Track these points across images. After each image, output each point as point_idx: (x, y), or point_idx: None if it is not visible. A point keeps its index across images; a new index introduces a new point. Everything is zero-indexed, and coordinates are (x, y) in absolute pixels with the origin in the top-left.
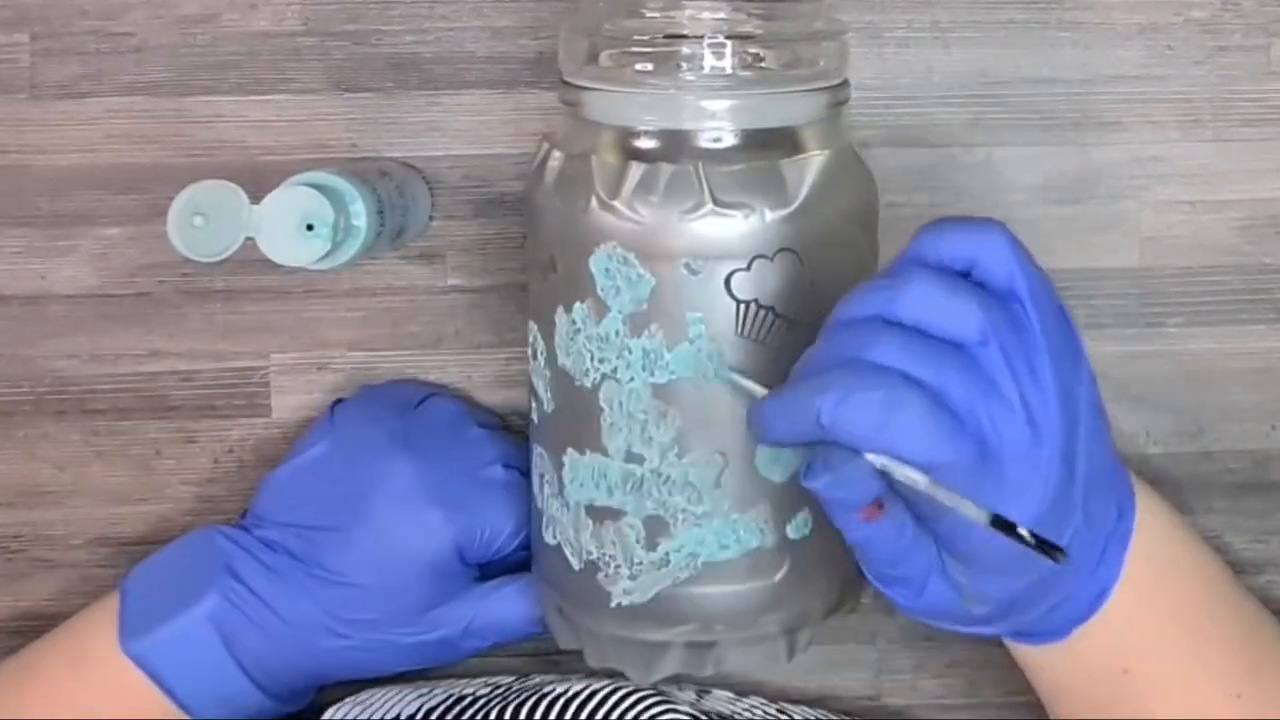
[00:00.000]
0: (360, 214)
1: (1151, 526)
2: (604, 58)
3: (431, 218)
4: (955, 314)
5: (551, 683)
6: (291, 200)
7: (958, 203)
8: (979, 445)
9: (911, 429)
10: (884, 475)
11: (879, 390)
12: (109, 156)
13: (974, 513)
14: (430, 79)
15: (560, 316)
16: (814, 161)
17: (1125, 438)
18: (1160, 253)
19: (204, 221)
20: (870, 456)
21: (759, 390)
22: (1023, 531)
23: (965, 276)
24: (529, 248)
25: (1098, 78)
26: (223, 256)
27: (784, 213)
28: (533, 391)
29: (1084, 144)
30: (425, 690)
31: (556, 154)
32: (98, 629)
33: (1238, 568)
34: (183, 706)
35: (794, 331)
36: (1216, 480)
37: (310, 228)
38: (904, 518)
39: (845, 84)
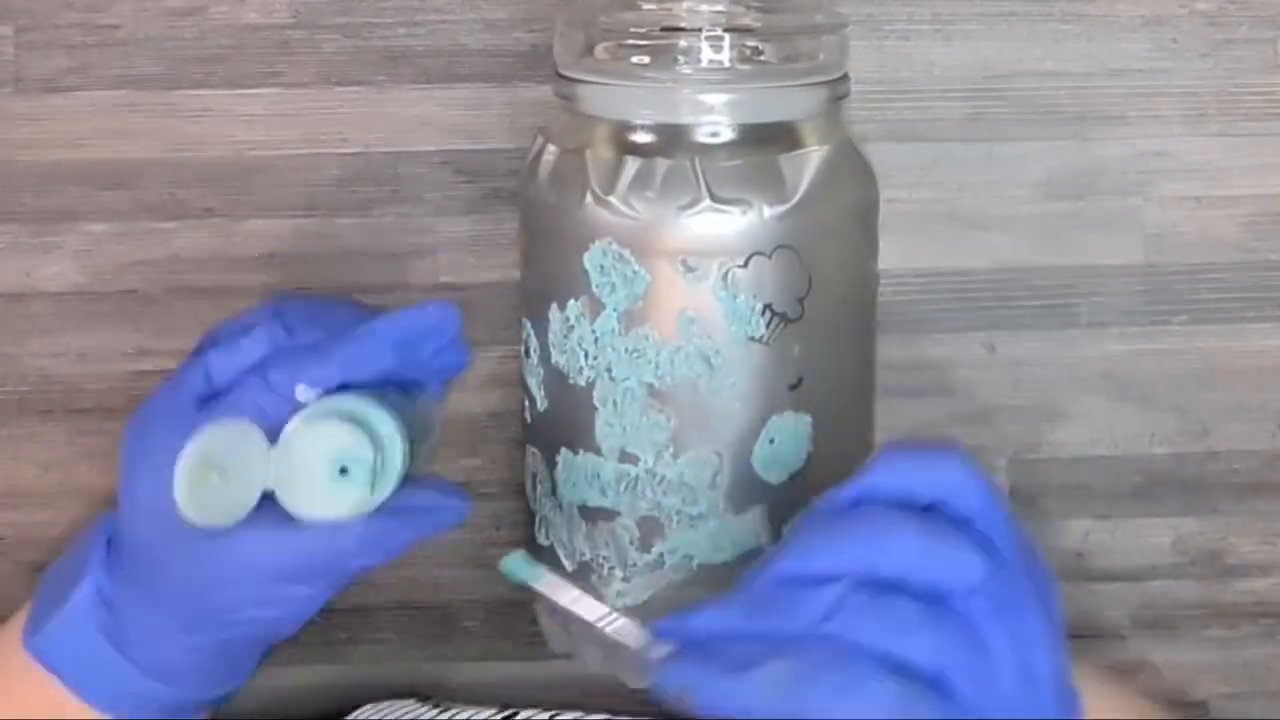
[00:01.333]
0: (396, 446)
1: None
2: (600, 50)
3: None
4: (952, 564)
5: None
6: (321, 440)
7: (959, 198)
8: (946, 695)
9: (827, 702)
10: None
11: (790, 664)
12: (95, 151)
13: None
14: (423, 72)
15: (554, 314)
16: (813, 157)
17: (1130, 438)
18: (1165, 249)
19: (221, 480)
20: None
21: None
22: None
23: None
24: (522, 244)
25: (1101, 71)
26: (239, 518)
27: (782, 209)
28: (525, 390)
29: (1087, 139)
30: None
31: (551, 148)
32: (12, 632)
33: (1243, 570)
34: (88, 701)
35: (792, 330)
36: (1223, 481)
37: (344, 471)
38: None
39: (845, 78)
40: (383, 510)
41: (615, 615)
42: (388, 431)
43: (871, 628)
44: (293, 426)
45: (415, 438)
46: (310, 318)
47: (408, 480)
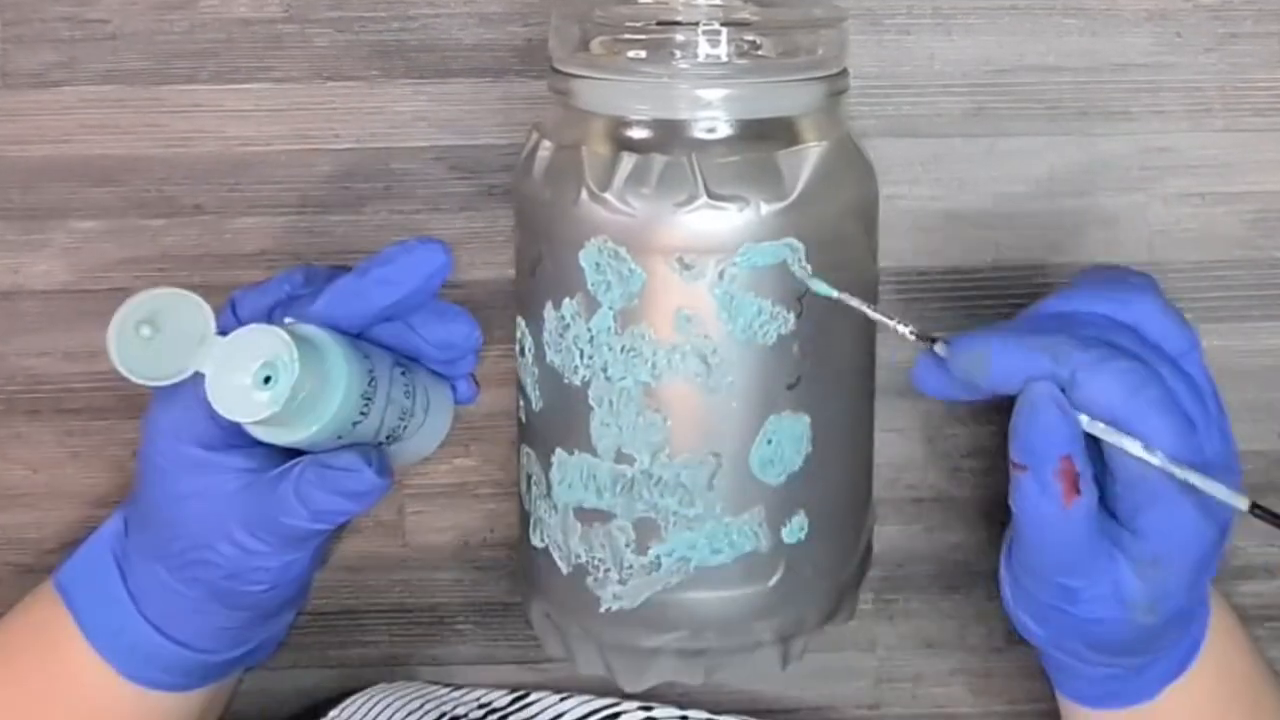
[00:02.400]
0: (338, 390)
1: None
2: (595, 45)
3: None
4: (1175, 327)
5: (545, 702)
6: (256, 341)
7: (961, 195)
8: (1200, 443)
9: (1153, 409)
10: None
11: (1132, 366)
12: (83, 147)
13: (1229, 496)
14: (416, 67)
15: (549, 312)
16: (811, 153)
17: None
18: (1169, 247)
19: (152, 334)
20: (1092, 424)
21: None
22: None
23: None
24: (517, 241)
25: (1104, 66)
26: (162, 383)
27: (780, 205)
28: (520, 390)
29: (1090, 134)
30: (416, 707)
31: (546, 144)
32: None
33: (1249, 572)
34: (94, 644)
35: (791, 329)
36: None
37: (268, 381)
38: (1098, 514)
39: (844, 72)
40: (308, 467)
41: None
42: (332, 364)
43: (1141, 349)
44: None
45: (382, 397)
46: (333, 273)
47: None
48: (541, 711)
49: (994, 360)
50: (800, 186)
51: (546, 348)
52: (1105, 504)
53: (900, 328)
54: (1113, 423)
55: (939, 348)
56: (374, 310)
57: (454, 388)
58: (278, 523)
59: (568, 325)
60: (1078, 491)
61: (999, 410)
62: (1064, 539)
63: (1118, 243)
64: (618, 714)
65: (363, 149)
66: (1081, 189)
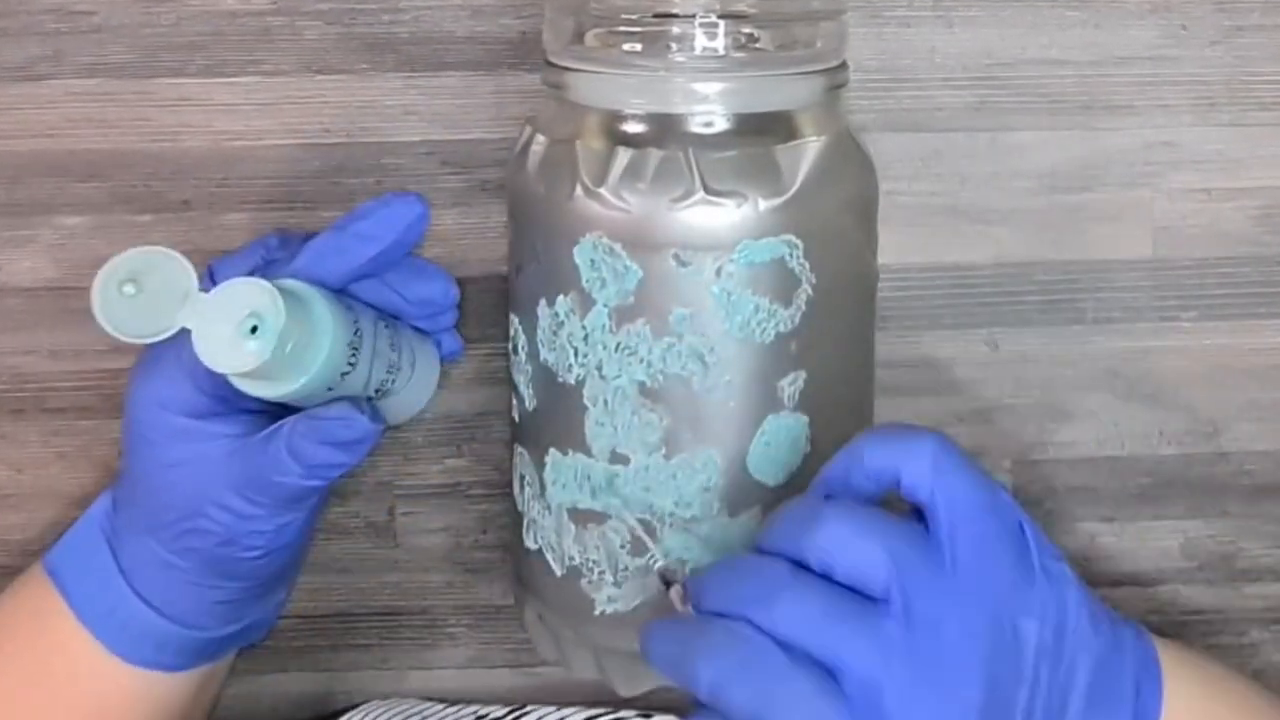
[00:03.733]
0: (325, 339)
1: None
2: (590, 37)
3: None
4: (861, 561)
5: (541, 712)
6: (240, 293)
7: (961, 190)
8: None
9: (794, 708)
10: None
11: (761, 671)
12: (69, 142)
13: None
14: (407, 60)
15: (543, 309)
16: (810, 147)
17: (1137, 438)
18: (1174, 243)
19: (135, 291)
20: None
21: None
22: None
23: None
24: (510, 237)
25: (1108, 59)
26: (150, 339)
27: (778, 201)
28: (513, 388)
29: (1093, 128)
30: None
31: (540, 139)
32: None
33: (1254, 574)
34: (86, 624)
35: (789, 326)
36: (1233, 482)
37: (254, 331)
38: None
39: (843, 66)
40: (299, 421)
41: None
42: (318, 315)
43: (796, 626)
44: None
45: (368, 348)
46: (309, 235)
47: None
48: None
49: (651, 655)
50: (799, 182)
51: (540, 346)
52: None
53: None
54: None
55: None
56: (354, 266)
57: (438, 344)
58: (271, 482)
59: (562, 323)
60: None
61: (999, 411)
62: None
63: (1121, 239)
64: None
65: (353, 143)
66: (1084, 184)
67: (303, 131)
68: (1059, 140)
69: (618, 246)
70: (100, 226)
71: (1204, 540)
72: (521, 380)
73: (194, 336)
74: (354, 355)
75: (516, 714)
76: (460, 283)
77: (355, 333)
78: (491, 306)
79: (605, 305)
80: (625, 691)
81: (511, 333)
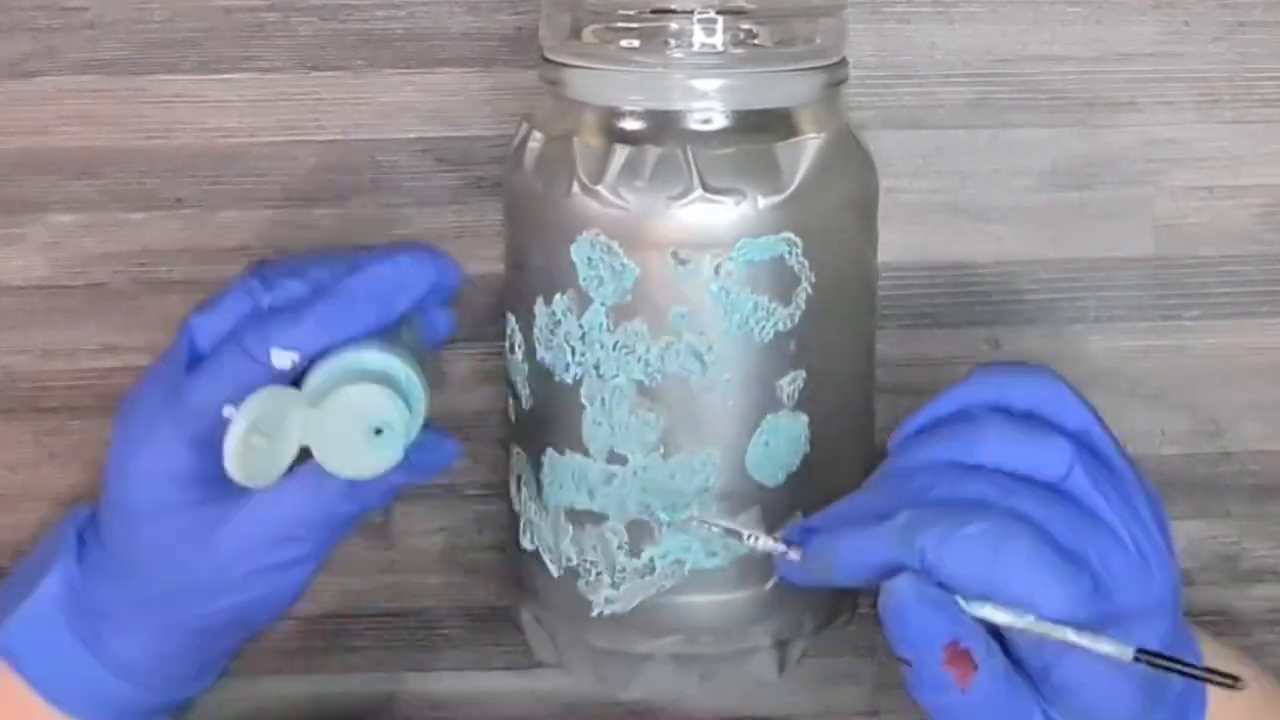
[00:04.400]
0: (420, 399)
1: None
2: (587, 33)
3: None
4: (1041, 451)
5: None
6: (355, 402)
7: (962, 188)
8: (1092, 582)
9: (1022, 566)
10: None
11: (986, 523)
12: (61, 139)
13: (1114, 650)
14: (402, 56)
15: (540, 308)
16: (809, 144)
17: (1139, 437)
18: (1176, 241)
19: (265, 441)
20: (971, 608)
21: (760, 538)
22: (1180, 667)
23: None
24: (506, 235)
25: (1110, 55)
26: (279, 476)
27: (778, 199)
28: (510, 388)
29: (1095, 125)
30: None
31: (536, 136)
32: None
33: (1258, 576)
34: (50, 700)
35: (788, 325)
36: (1236, 483)
37: (379, 432)
38: (1005, 676)
39: (843, 62)
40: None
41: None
42: (411, 384)
43: (999, 493)
44: (322, 384)
45: (427, 373)
46: (293, 273)
47: None
48: None
49: (840, 564)
50: (798, 179)
51: (537, 345)
52: (1016, 660)
53: (754, 542)
54: (983, 593)
55: (792, 554)
56: (367, 328)
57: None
58: (332, 514)
59: (559, 322)
60: (974, 667)
61: None
62: (974, 715)
63: (1122, 237)
64: None
65: (348, 141)
66: (1086, 182)
67: (297, 128)
68: (1060, 137)
69: (615, 245)
70: (93, 224)
71: (1207, 541)
72: (518, 379)
73: (319, 453)
74: (426, 388)
75: None
76: None
77: (419, 360)
78: (488, 305)
79: (603, 304)
80: (622, 694)
81: (508, 332)
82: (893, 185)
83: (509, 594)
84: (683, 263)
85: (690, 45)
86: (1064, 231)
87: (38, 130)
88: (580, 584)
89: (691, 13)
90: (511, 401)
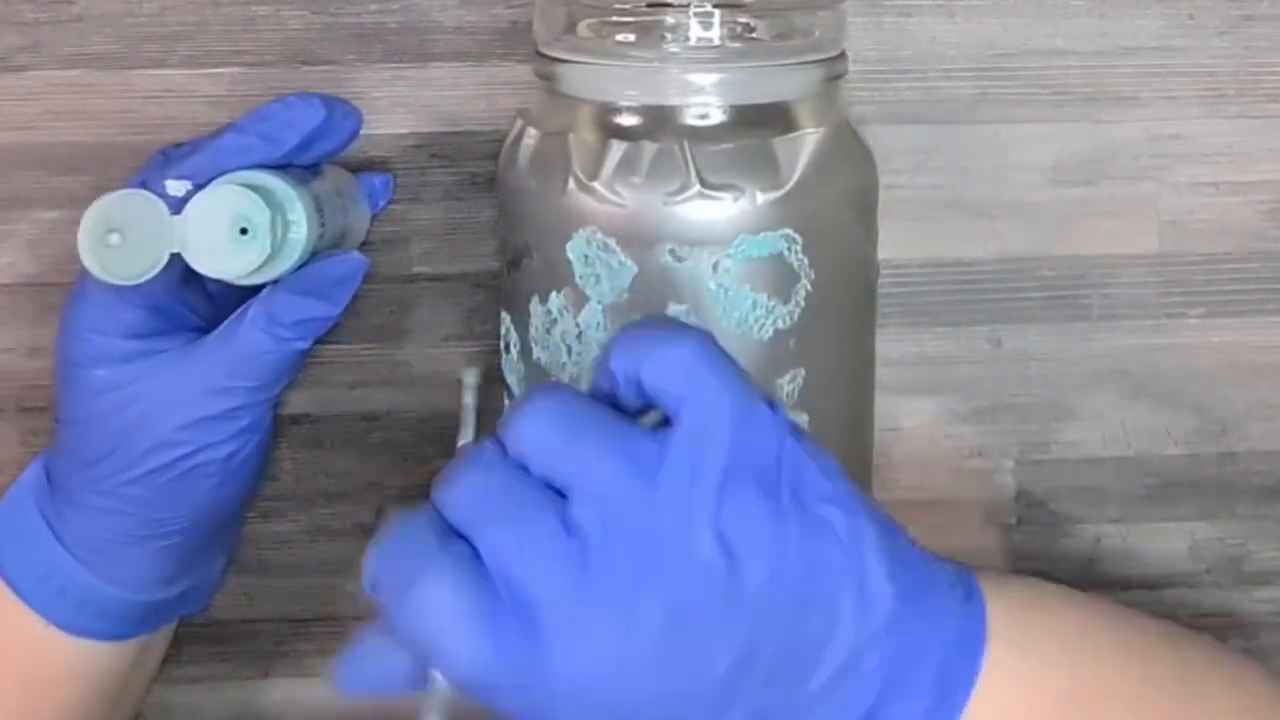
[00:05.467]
0: (299, 214)
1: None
2: (582, 28)
3: (374, 218)
4: (549, 453)
5: None
6: (218, 202)
7: (963, 184)
8: (526, 633)
9: (422, 613)
10: None
11: (406, 563)
12: (48, 134)
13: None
14: (395, 51)
15: (535, 307)
16: (808, 140)
17: (1144, 437)
18: (1181, 238)
19: (121, 239)
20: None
21: None
22: None
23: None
24: (501, 233)
25: (1114, 49)
26: (146, 277)
27: (776, 195)
28: (505, 387)
29: (1099, 121)
30: None
31: (531, 132)
32: None
33: (1263, 578)
34: (19, 592)
35: (787, 322)
36: (1241, 483)
37: (244, 232)
38: None
39: (842, 56)
40: (284, 283)
41: None
42: (285, 196)
43: (461, 511)
44: (196, 195)
45: (325, 209)
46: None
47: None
48: None
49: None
50: (797, 175)
51: (533, 344)
52: None
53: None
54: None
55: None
56: (260, 159)
57: (370, 187)
58: (251, 361)
59: (555, 320)
60: None
61: (1001, 410)
62: None
63: (1126, 234)
64: None
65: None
66: (1089, 178)
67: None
68: (1063, 133)
69: (612, 242)
70: (81, 221)
71: (1212, 543)
72: (514, 379)
73: (188, 256)
74: (321, 216)
75: None
76: (450, 279)
77: (314, 195)
78: (483, 304)
79: (599, 302)
80: None
81: (503, 331)
82: (893, 181)
83: None
84: (680, 260)
85: (687, 39)
86: (1067, 228)
87: (25, 126)
88: None
89: (688, 6)
90: (507, 401)
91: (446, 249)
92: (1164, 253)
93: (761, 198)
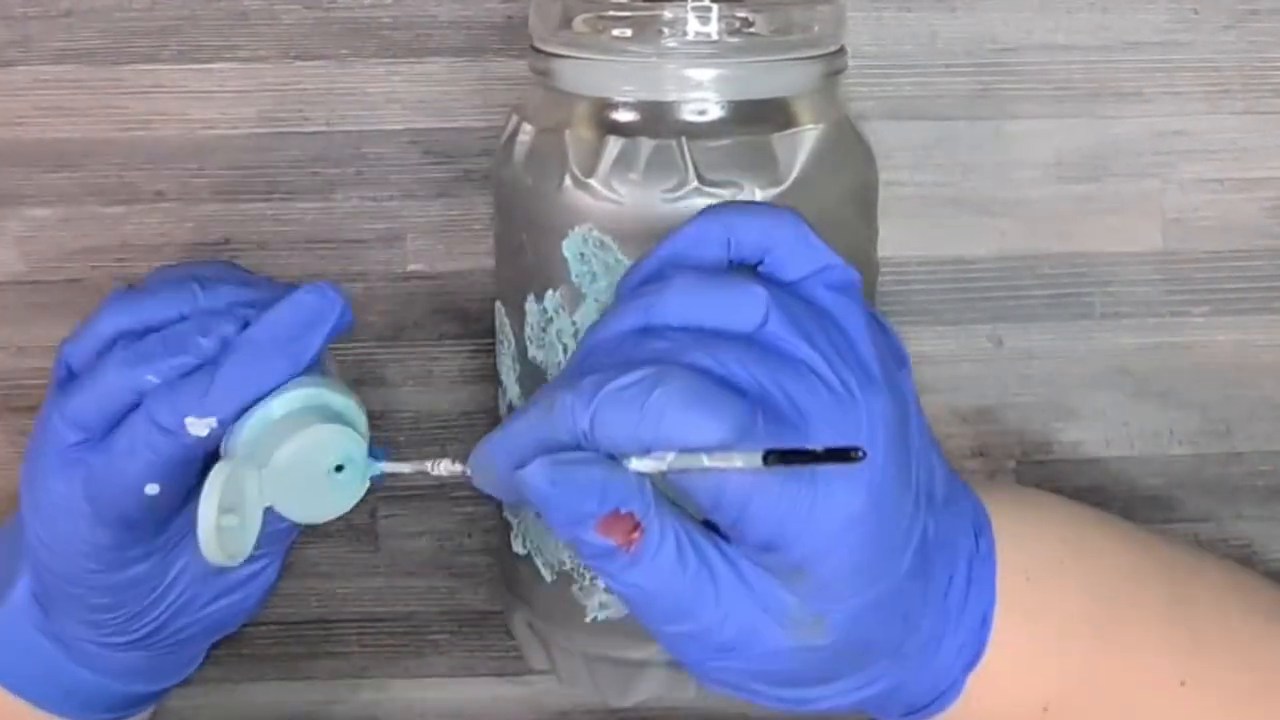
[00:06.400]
0: (363, 420)
1: (1022, 537)
2: (579, 22)
3: None
4: (730, 302)
5: None
6: (311, 446)
7: (964, 181)
8: (772, 415)
9: (670, 407)
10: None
11: (636, 374)
12: (37, 130)
13: (745, 461)
14: (389, 46)
15: (531, 305)
16: (807, 136)
17: (1147, 437)
18: (1185, 235)
19: (236, 518)
20: (633, 464)
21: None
22: (801, 457)
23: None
24: (496, 230)
25: (1117, 44)
26: (253, 548)
27: (775, 192)
28: (500, 386)
29: (1101, 116)
30: None
31: (527, 128)
32: None
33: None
34: (28, 700)
35: None
36: (1246, 484)
37: (340, 469)
38: (676, 533)
39: (841, 51)
40: None
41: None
42: (349, 409)
43: (668, 348)
44: (257, 438)
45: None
46: (160, 287)
47: None
48: None
49: (498, 461)
50: (796, 172)
51: (528, 343)
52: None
53: (435, 469)
54: (640, 446)
55: (468, 470)
56: (277, 381)
57: None
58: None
59: (550, 319)
60: (636, 527)
61: (1003, 409)
62: (651, 584)
63: (1130, 231)
64: None
65: (333, 132)
66: (1092, 174)
67: (280, 120)
68: (1066, 129)
69: (609, 239)
70: (70, 218)
71: (1217, 544)
72: (509, 379)
73: (281, 509)
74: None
75: None
76: (445, 277)
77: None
78: (477, 302)
79: (596, 300)
80: (617, 702)
81: (498, 329)
82: (893, 178)
83: (500, 599)
84: None
85: (684, 34)
86: (1069, 225)
87: (13, 122)
88: (574, 589)
89: (685, 1)
90: (502, 401)
91: (441, 247)
92: (1168, 250)
93: (760, 194)
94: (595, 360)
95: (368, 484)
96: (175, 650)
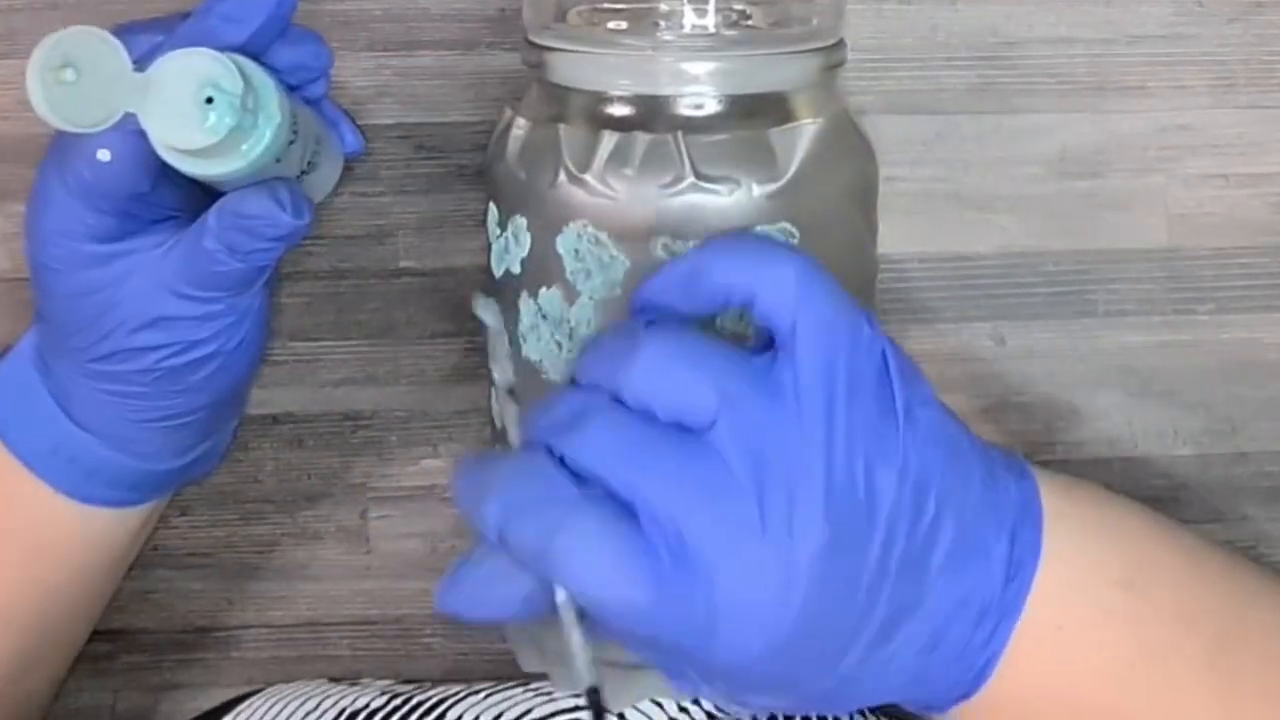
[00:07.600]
0: (271, 100)
1: (1074, 569)
2: (573, 15)
3: (349, 162)
4: (684, 391)
5: (455, 694)
6: (188, 65)
7: (965, 176)
8: (683, 571)
9: (574, 561)
10: None
11: (548, 506)
12: (24, 125)
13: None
14: (379, 39)
15: (525, 303)
16: (806, 131)
17: (1151, 437)
18: (1190, 232)
19: (76, 76)
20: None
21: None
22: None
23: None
24: (489, 226)
25: (1120, 37)
26: (98, 128)
27: (773, 187)
28: (493, 385)
29: (1105, 111)
30: (314, 706)
31: (520, 122)
32: None
33: None
34: (26, 463)
35: None
36: (1251, 484)
37: (210, 100)
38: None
39: (841, 44)
40: (221, 215)
41: None
42: (259, 80)
43: (600, 458)
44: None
45: (296, 125)
46: (161, 24)
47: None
48: (449, 696)
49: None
50: (794, 167)
51: (523, 340)
52: None
53: None
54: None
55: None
56: (227, 44)
57: (340, 139)
58: (212, 273)
59: (545, 316)
60: None
61: (1005, 409)
62: None
63: (1134, 227)
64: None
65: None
66: (1095, 170)
67: None
68: (1068, 123)
69: (604, 235)
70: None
71: (1223, 545)
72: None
73: (142, 118)
74: (294, 124)
75: (435, 698)
76: (437, 274)
77: (290, 102)
78: (470, 299)
79: (591, 298)
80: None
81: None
82: (893, 173)
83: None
84: (674, 254)
85: (681, 27)
86: (1072, 222)
87: (0, 117)
88: None
89: None
90: (494, 398)
91: (433, 243)
92: (1172, 247)
93: (758, 190)
94: (563, 413)
95: (230, 124)
96: (142, 389)
